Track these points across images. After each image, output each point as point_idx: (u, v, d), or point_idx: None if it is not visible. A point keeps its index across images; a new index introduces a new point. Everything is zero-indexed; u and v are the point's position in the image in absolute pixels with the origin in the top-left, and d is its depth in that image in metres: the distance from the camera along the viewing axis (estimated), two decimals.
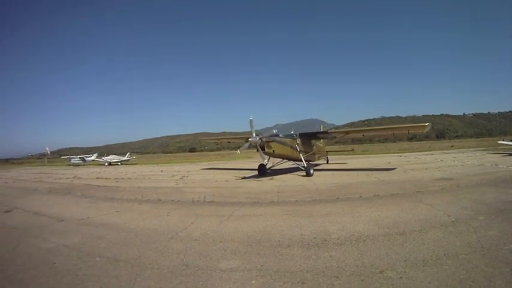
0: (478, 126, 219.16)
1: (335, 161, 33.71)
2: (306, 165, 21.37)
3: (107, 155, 66.55)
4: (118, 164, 60.22)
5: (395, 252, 6.00)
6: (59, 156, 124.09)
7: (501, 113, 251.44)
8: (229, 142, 33.08)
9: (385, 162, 29.93)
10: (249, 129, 21.10)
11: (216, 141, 37.20)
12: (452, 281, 4.71)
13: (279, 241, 7.14)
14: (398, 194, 12.44)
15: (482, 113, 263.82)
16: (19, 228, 9.86)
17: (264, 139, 20.00)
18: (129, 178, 26.62)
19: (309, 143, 25.69)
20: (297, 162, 23.05)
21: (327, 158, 32.67)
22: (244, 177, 21.63)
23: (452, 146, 69.10)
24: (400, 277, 4.93)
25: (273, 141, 20.57)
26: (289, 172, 23.67)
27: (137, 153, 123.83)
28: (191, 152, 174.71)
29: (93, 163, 65.67)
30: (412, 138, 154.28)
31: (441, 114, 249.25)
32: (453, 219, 8.17)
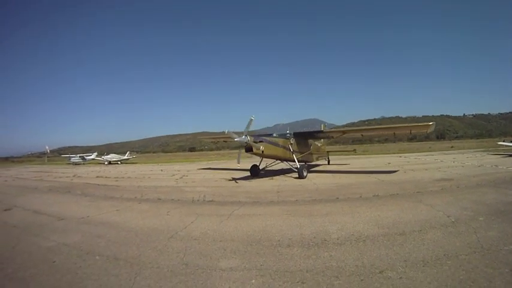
0: (478, 127, 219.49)
1: (336, 161, 33.39)
2: (298, 166, 20.49)
3: (107, 154, 66.65)
4: (118, 163, 60.28)
5: (395, 252, 6.00)
6: (59, 155, 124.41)
7: (501, 114, 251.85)
8: (225, 141, 31.77)
9: (385, 163, 29.90)
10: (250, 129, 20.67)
11: (213, 140, 35.90)
12: (452, 282, 4.72)
13: (278, 241, 7.14)
14: (398, 194, 12.42)
15: (483, 114, 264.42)
16: (19, 226, 9.86)
17: (251, 139, 19.00)
18: (129, 177, 26.60)
19: (305, 143, 24.43)
20: (291, 163, 21.95)
21: (328, 158, 31.71)
22: (234, 179, 20.93)
23: (452, 147, 69.06)
24: (400, 277, 4.93)
25: (261, 141, 19.52)
26: (286, 173, 23.11)
27: (137, 152, 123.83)
28: (191, 151, 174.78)
29: (93, 162, 65.73)
30: (412, 138, 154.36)
31: (441, 115, 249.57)
32: (453, 220, 8.16)
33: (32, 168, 54.06)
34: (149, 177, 25.53)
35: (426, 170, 21.94)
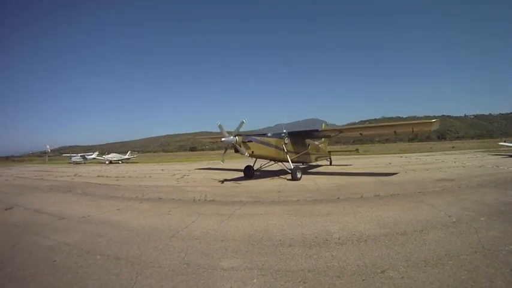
0: (479, 128, 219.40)
1: (338, 161, 33.14)
2: (292, 167, 19.60)
3: (108, 154, 66.80)
4: (119, 163, 60.45)
5: (397, 252, 5.99)
6: (59, 154, 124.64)
7: (502, 114, 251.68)
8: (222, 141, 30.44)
9: (386, 163, 29.97)
10: (247, 129, 20.27)
11: (211, 140, 35.26)
12: (454, 281, 4.71)
13: (280, 240, 7.13)
14: (400, 194, 12.41)
15: (484, 114, 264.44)
16: (19, 225, 9.86)
17: (239, 139, 18.12)
18: (130, 176, 26.61)
19: (302, 142, 23.42)
20: (286, 164, 20.99)
21: (330, 159, 30.92)
22: (226, 180, 20.30)
23: (453, 147, 69.07)
24: (402, 277, 4.92)
25: (250, 141, 18.67)
26: (287, 173, 21.38)
27: (138, 152, 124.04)
28: (192, 151, 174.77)
29: (94, 161, 65.92)
30: (413, 139, 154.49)
31: (442, 115, 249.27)
32: (454, 220, 8.15)
33: (32, 168, 54.10)
34: (150, 177, 25.55)
35: (427, 170, 21.94)
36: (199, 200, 13.12)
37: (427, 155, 42.10)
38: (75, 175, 30.55)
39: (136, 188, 18.25)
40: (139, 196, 14.71)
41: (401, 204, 10.41)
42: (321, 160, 29.30)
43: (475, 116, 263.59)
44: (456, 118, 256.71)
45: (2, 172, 43.30)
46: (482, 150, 50.16)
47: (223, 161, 20.18)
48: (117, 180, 23.80)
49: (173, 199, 13.57)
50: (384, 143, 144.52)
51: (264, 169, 23.67)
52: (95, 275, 5.61)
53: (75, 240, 7.80)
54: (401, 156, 41.01)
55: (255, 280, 5.10)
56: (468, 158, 33.44)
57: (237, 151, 18.43)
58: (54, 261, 6.40)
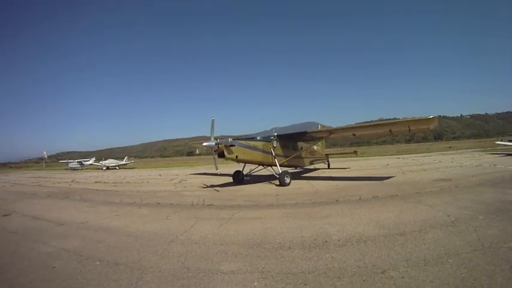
0: (476, 127, 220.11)
1: (335, 164, 32.58)
2: (280, 171, 18.57)
3: (105, 159, 66.67)
4: (116, 168, 60.38)
5: (397, 252, 6.00)
6: (56, 160, 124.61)
7: (498, 113, 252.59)
8: (204, 146, 28.60)
9: (383, 164, 30.04)
10: (249, 132, 19.67)
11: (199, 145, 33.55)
12: (454, 280, 4.73)
13: (279, 243, 7.12)
14: (398, 195, 12.43)
15: (480, 114, 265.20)
16: (18, 232, 9.81)
17: (222, 143, 17.34)
18: (127, 182, 26.55)
19: (293, 145, 22.25)
20: (274, 168, 19.80)
21: (328, 162, 30.18)
22: (213, 186, 19.73)
23: (450, 147, 69.43)
24: (402, 277, 4.93)
25: (233, 145, 17.69)
26: (275, 179, 19.65)
27: (135, 157, 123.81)
28: (189, 155, 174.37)
29: (91, 167, 65.73)
30: (410, 140, 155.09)
31: (439, 116, 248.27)
32: (453, 219, 8.18)
33: (30, 174, 54.02)
34: (148, 182, 25.48)
35: (425, 170, 22.03)
36: (197, 204, 13.10)
37: (424, 156, 42.26)
38: (72, 181, 30.47)
39: (134, 193, 18.20)
40: (138, 201, 14.66)
41: (400, 205, 10.44)
42: (317, 163, 28.44)
43: (471, 116, 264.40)
44: (452, 118, 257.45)
45: (0, 178, 43.19)
46: (479, 149, 50.41)
47: (217, 169, 18.08)
48: (115, 186, 23.74)
49: (171, 204, 13.51)
50: (380, 144, 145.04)
51: (254, 174, 22.76)
52: (94, 280, 5.59)
53: (74, 246, 7.76)
54: (398, 158, 41.15)
55: (255, 283, 5.10)
56: (465, 157, 33.59)
57: (221, 156, 17.68)
58: (54, 267, 6.36)
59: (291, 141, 22.07)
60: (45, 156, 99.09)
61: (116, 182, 26.68)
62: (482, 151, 44.54)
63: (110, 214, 11.89)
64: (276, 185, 18.10)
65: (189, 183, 22.26)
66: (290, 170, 22.26)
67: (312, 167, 27.96)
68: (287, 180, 18.13)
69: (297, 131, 21.54)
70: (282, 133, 20.94)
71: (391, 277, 4.95)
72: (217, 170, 17.95)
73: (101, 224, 10.36)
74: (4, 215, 12.79)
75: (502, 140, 47.62)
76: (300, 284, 4.97)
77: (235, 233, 8.27)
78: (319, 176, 24.07)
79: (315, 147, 26.78)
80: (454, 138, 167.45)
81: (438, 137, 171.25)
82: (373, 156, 51.91)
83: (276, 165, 19.43)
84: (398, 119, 16.32)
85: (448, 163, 27.16)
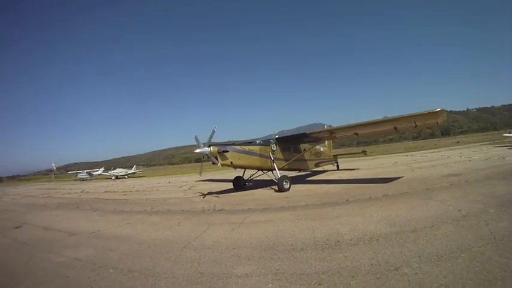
0: (483, 121, 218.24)
1: (343, 164, 31.67)
2: (279, 176, 17.75)
3: (114, 169, 66.94)
4: (125, 177, 60.64)
5: (409, 249, 6.00)
6: (65, 171, 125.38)
7: (504, 105, 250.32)
8: (196, 152, 25.45)
9: (392, 162, 29.89)
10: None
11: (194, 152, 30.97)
12: (468, 274, 4.73)
13: (292, 245, 7.15)
14: (408, 192, 12.39)
15: (486, 107, 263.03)
16: (30, 243, 9.98)
17: (214, 149, 16.66)
18: (137, 190, 26.69)
19: (295, 148, 21.18)
20: (274, 173, 18.82)
21: (337, 163, 28.84)
22: (210, 193, 19.12)
23: (458, 142, 68.92)
24: (416, 273, 4.93)
25: (226, 151, 17.10)
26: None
27: (143, 165, 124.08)
28: (197, 162, 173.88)
29: (100, 177, 66.19)
30: (417, 137, 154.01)
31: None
32: (464, 214, 8.16)
33: (39, 186, 54.51)
34: (157, 190, 25.60)
35: (433, 166, 21.91)
36: (208, 210, 13.14)
37: (433, 152, 42.01)
38: (82, 192, 30.71)
39: (144, 201, 18.31)
40: (148, 209, 14.76)
41: (410, 202, 10.42)
42: (324, 165, 27.13)
43: (478, 110, 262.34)
44: (459, 113, 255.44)
45: (9, 191, 43.69)
46: (487, 143, 50.09)
47: (200, 174, 19.94)
48: (125, 194, 23.88)
49: (182, 210, 13.58)
50: (388, 143, 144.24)
51: (256, 179, 21.28)
52: None
53: (87, 255, 7.84)
54: (406, 155, 40.89)
55: (270, 285, 5.12)
56: (473, 151, 33.39)
57: (215, 163, 16.99)
58: (67, 276, 6.44)
59: (292, 144, 21.19)
60: (54, 168, 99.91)
61: (125, 191, 26.84)
62: (490, 144, 44.27)
63: (121, 223, 11.98)
64: (275, 191, 17.25)
65: (198, 190, 22.23)
66: (293, 173, 22.15)
67: (319, 169, 27.25)
68: (286, 185, 17.35)
69: (297, 133, 20.65)
70: (281, 136, 20.48)
71: (405, 274, 4.95)
72: (200, 175, 19.19)
73: (112, 232, 10.45)
74: (16, 227, 12.96)
75: (510, 132, 47.33)
76: (314, 284, 4.99)
77: (247, 236, 8.31)
78: (325, 179, 23.24)
79: (322, 149, 26.04)
80: (462, 133, 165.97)
81: (445, 132, 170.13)
82: (382, 154, 51.54)
83: (275, 169, 18.64)
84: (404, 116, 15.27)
85: (457, 158, 27.01)
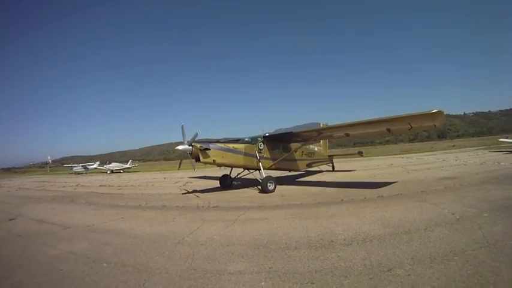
0: (479, 125, 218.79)
1: (339, 165, 30.95)
2: (263, 176, 17.13)
3: (109, 163, 66.78)
4: (120, 172, 60.57)
5: (402, 250, 6.02)
6: (61, 164, 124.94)
7: (501, 111, 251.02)
8: (177, 150, 23.57)
9: (388, 164, 29.97)
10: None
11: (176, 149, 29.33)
12: (460, 277, 4.75)
13: (286, 243, 7.15)
14: (403, 194, 12.42)
15: (483, 112, 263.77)
16: (24, 235, 9.94)
17: (198, 147, 16.40)
18: (132, 185, 26.64)
19: (285, 147, 20.38)
20: (259, 172, 18.12)
21: (333, 164, 27.71)
22: (195, 191, 18.79)
23: (454, 146, 69.05)
24: (408, 274, 4.96)
25: (208, 148, 16.65)
26: (285, 180, 20.77)
27: (139, 160, 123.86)
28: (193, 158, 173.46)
29: (96, 171, 66.08)
30: (413, 139, 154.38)
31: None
32: (458, 217, 8.19)
33: (34, 178, 54.33)
34: (152, 185, 25.55)
35: (429, 169, 21.98)
36: (202, 206, 13.13)
37: (429, 155, 42.15)
38: (77, 185, 30.64)
39: (139, 196, 18.29)
40: (143, 204, 14.74)
41: (405, 204, 10.44)
42: (318, 166, 26.18)
43: (475, 114, 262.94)
44: (456, 117, 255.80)
45: (4, 183, 43.53)
46: (483, 147, 50.24)
47: (179, 168, 20.62)
48: (120, 189, 23.85)
49: (177, 206, 13.57)
50: (384, 144, 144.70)
51: (245, 177, 20.55)
52: (102, 282, 5.65)
53: (81, 249, 7.83)
54: (402, 157, 40.97)
55: (262, 283, 5.13)
56: (469, 155, 33.49)
57: (197, 160, 16.82)
58: (61, 269, 6.43)
59: (281, 143, 20.39)
60: (50, 160, 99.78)
61: (120, 186, 26.80)
62: (486, 149, 44.38)
63: (115, 217, 11.97)
64: (259, 192, 16.67)
65: (194, 186, 22.19)
66: (284, 173, 22.35)
67: (314, 169, 26.57)
68: (271, 186, 16.54)
69: (284, 133, 19.92)
70: (269, 135, 19.75)
71: (397, 275, 4.97)
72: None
73: (107, 226, 10.43)
74: (10, 219, 12.94)
75: (508, 138, 47.58)
76: (307, 283, 5.00)
77: (241, 234, 8.30)
78: (314, 180, 23.17)
79: (316, 149, 25.29)
80: (458, 137, 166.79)
81: (442, 135, 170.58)
82: (377, 156, 51.64)
83: (260, 169, 18.04)
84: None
85: (452, 161, 27.10)
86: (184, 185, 23.49)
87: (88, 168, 66.24)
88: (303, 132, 19.11)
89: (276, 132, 20.55)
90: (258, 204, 12.69)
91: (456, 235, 6.74)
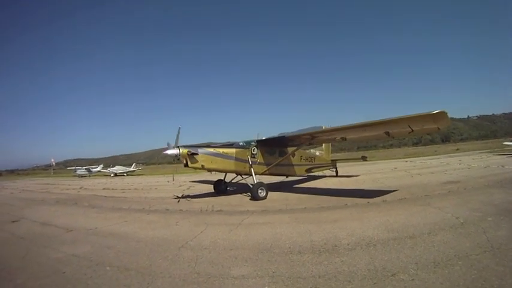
0: (483, 128, 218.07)
1: (342, 169, 29.62)
2: (255, 182, 16.39)
3: (113, 166, 66.95)
4: (124, 175, 60.56)
5: (406, 255, 6.00)
6: (64, 167, 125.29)
7: (505, 114, 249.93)
8: (164, 154, 22.00)
9: (391, 168, 29.88)
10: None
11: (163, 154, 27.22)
12: (464, 281, 4.74)
13: (289, 248, 7.14)
14: (406, 198, 12.40)
15: (487, 115, 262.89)
16: (27, 238, 9.99)
17: (184, 151, 15.84)
18: (135, 188, 26.63)
19: (281, 152, 19.60)
20: (251, 178, 17.31)
21: (336, 169, 26.73)
22: (188, 196, 18.37)
23: (457, 149, 68.77)
24: (412, 279, 4.94)
25: (196, 153, 16.09)
26: (284, 185, 20.60)
27: (143, 164, 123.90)
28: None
29: (99, 174, 66.09)
30: (417, 143, 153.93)
31: None
32: (462, 221, 8.16)
33: (38, 181, 54.43)
34: (156, 189, 25.53)
35: (432, 173, 21.90)
36: (206, 210, 13.14)
37: (432, 158, 41.98)
38: (80, 188, 30.66)
39: (143, 199, 18.32)
40: (146, 208, 14.76)
41: (409, 208, 10.43)
42: (318, 171, 24.99)
43: (478, 117, 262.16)
44: (459, 120, 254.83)
45: (8, 185, 43.68)
46: (487, 150, 50.00)
47: (173, 180, 19.42)
48: (123, 192, 23.87)
49: (180, 210, 13.58)
50: (388, 148, 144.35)
51: (240, 182, 19.32)
52: (105, 286, 5.65)
53: (84, 252, 7.85)
54: (406, 161, 40.85)
55: (266, 287, 5.12)
56: (473, 159, 33.39)
57: (186, 165, 16.21)
58: (64, 272, 6.44)
59: (276, 147, 19.55)
60: (53, 163, 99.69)
61: (124, 189, 26.78)
62: (490, 152, 44.21)
63: (118, 220, 11.99)
64: (250, 199, 15.93)
65: (197, 190, 22.19)
66: (280, 179, 22.07)
67: (315, 174, 25.45)
68: (262, 193, 15.85)
69: (277, 137, 19.27)
70: (262, 139, 18.92)
71: (401, 280, 4.95)
72: (173, 180, 17.27)
73: (110, 230, 10.45)
74: (13, 221, 12.99)
75: (511, 141, 47.31)
76: (311, 287, 4.99)
77: (245, 238, 8.30)
78: (312, 187, 23.00)
79: (318, 153, 24.48)
80: (462, 140, 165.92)
81: (445, 139, 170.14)
82: (381, 159, 51.37)
83: (252, 174, 17.37)
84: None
85: (456, 165, 27.01)
86: (188, 188, 23.42)
87: (91, 171, 66.30)
88: (296, 136, 18.35)
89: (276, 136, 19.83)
90: (262, 209, 12.68)
91: (460, 239, 6.72)
